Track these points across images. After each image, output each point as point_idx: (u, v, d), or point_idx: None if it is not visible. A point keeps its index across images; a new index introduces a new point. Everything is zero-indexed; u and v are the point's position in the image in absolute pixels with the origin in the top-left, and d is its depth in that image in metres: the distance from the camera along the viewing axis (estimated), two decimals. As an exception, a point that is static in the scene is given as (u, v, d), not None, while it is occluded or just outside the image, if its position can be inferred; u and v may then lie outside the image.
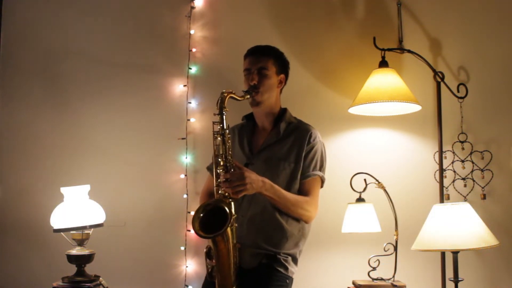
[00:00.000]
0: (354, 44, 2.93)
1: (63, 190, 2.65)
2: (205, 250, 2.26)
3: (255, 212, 2.30)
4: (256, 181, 2.15)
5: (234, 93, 2.23)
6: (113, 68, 3.09)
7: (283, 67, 2.46)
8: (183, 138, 2.98)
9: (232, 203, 2.15)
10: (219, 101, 2.20)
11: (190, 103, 3.01)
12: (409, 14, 2.92)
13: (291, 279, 2.33)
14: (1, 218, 3.06)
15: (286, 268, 2.29)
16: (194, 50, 3.04)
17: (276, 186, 2.24)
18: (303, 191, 2.35)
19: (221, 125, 2.20)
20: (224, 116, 2.20)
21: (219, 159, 2.18)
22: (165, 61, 3.06)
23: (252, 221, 2.29)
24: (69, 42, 3.13)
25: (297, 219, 2.34)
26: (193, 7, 3.07)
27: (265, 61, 2.36)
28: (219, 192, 2.17)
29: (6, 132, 3.12)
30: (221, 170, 2.16)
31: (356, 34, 2.94)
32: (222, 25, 3.06)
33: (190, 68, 3.03)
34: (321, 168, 2.40)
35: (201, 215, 2.09)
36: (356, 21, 2.97)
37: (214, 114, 2.22)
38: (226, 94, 2.20)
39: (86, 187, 2.68)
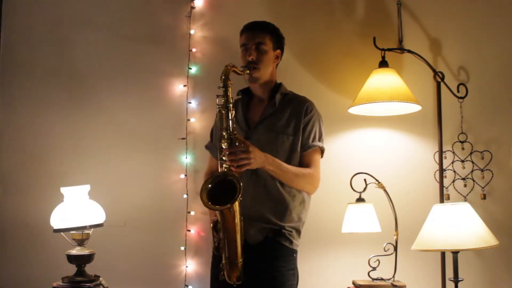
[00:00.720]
0: (354, 44, 2.93)
1: (63, 190, 2.66)
2: (211, 224, 2.24)
3: (257, 186, 2.29)
4: (259, 155, 2.17)
5: (236, 67, 2.26)
6: (113, 68, 3.09)
7: (279, 42, 2.48)
8: (183, 138, 2.98)
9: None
10: (223, 74, 2.21)
11: (190, 103, 3.02)
12: (409, 14, 2.92)
13: (296, 252, 2.34)
14: (1, 218, 3.06)
15: (291, 242, 2.30)
16: (194, 50, 3.04)
17: (278, 160, 2.25)
18: (304, 163, 2.35)
19: (225, 99, 2.21)
20: (228, 89, 2.21)
21: (223, 133, 2.17)
22: (165, 61, 3.06)
23: (254, 195, 2.28)
24: (69, 43, 3.13)
25: (299, 191, 2.35)
26: (193, 7, 3.07)
27: (262, 36, 2.38)
28: (223, 166, 2.17)
29: (6, 132, 3.12)
30: (225, 144, 2.16)
31: (356, 34, 2.94)
32: (222, 25, 3.06)
33: (190, 68, 3.03)
34: (320, 138, 2.40)
35: (209, 186, 2.09)
36: (356, 21, 2.97)
37: (219, 87, 2.22)
38: (229, 68, 2.22)
39: (86, 187, 2.68)
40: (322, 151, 2.43)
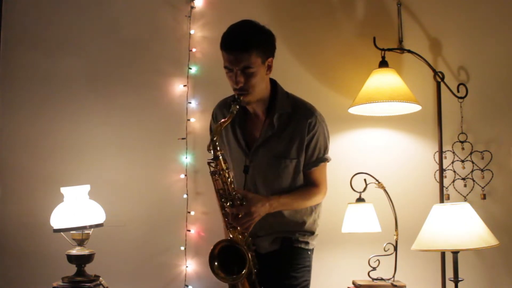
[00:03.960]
0: (354, 44, 2.93)
1: (63, 190, 2.66)
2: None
3: None
4: (263, 209, 2.10)
5: (223, 123, 2.08)
6: (113, 68, 3.09)
7: (269, 49, 2.13)
8: (183, 138, 2.98)
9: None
10: (211, 146, 2.08)
11: (190, 103, 3.02)
12: (409, 14, 2.92)
13: (312, 250, 2.31)
14: (1, 218, 3.06)
15: (307, 243, 2.27)
16: (194, 50, 3.04)
17: (282, 198, 2.17)
18: (310, 181, 2.24)
19: (217, 168, 2.11)
20: (219, 159, 2.10)
21: (221, 191, 2.12)
22: (165, 61, 3.06)
23: (263, 217, 2.19)
24: (69, 42, 3.13)
25: None
26: (193, 7, 3.07)
27: (247, 58, 2.04)
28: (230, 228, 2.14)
29: (6, 132, 3.12)
30: (227, 204, 2.11)
31: (356, 34, 2.94)
32: (222, 25, 3.01)
33: (190, 68, 3.03)
34: (325, 150, 2.25)
35: (217, 260, 2.05)
36: (356, 21, 2.97)
37: (209, 159, 2.12)
38: (216, 138, 2.07)
39: (86, 187, 2.68)
40: (328, 161, 2.29)
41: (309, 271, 2.28)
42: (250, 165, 2.22)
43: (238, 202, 2.08)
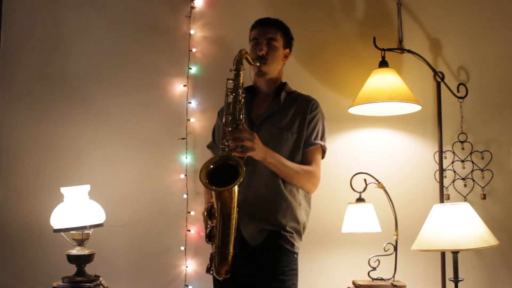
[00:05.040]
0: (354, 44, 2.93)
1: (63, 190, 2.66)
2: (205, 209, 2.18)
3: (259, 184, 2.26)
4: (262, 146, 2.16)
5: (249, 55, 2.24)
6: (113, 68, 3.09)
7: (289, 42, 2.48)
8: (183, 138, 2.98)
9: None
10: (237, 58, 2.19)
11: (190, 103, 3.02)
12: (409, 14, 2.92)
13: (297, 254, 2.33)
14: (1, 218, 3.06)
15: (293, 245, 2.28)
16: (194, 50, 3.04)
17: (279, 155, 2.24)
18: (305, 161, 2.33)
19: (235, 83, 2.18)
20: (240, 74, 2.19)
21: (230, 118, 2.15)
22: (165, 61, 3.06)
23: (256, 193, 2.25)
24: (69, 42, 3.14)
25: (298, 192, 2.33)
26: (193, 7, 3.07)
27: (274, 32, 2.39)
28: (225, 150, 2.13)
29: (6, 132, 3.12)
30: (230, 129, 2.13)
31: (356, 34, 2.95)
32: (222, 25, 3.06)
33: (190, 68, 3.03)
34: (322, 137, 2.39)
35: (211, 167, 2.07)
36: (356, 21, 2.97)
37: (230, 70, 2.19)
38: (244, 53, 2.20)
39: (86, 187, 2.69)
40: (323, 150, 2.40)
41: (296, 275, 2.29)
42: None
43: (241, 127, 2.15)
